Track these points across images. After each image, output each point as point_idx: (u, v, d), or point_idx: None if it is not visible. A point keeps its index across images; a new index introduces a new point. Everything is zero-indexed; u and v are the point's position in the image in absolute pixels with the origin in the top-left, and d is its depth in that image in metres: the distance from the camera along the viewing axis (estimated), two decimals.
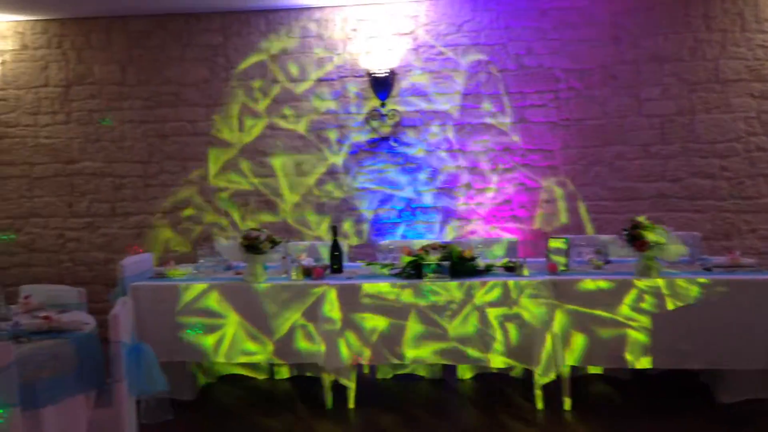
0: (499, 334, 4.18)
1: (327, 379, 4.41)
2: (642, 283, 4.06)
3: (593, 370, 4.77)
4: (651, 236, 4.02)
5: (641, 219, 4.16)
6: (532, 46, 5.76)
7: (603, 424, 4.05)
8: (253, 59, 5.92)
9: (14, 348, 2.64)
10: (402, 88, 5.84)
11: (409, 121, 5.87)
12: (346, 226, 5.92)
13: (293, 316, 4.31)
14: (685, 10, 5.67)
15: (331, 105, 5.90)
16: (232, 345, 4.36)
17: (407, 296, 4.22)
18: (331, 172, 5.94)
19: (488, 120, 5.83)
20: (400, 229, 5.95)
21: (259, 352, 4.35)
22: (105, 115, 6.02)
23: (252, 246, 4.33)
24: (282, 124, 5.95)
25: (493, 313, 4.17)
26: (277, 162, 5.97)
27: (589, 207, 5.81)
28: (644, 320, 4.06)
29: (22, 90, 6.03)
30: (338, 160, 5.93)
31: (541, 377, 4.12)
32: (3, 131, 6.05)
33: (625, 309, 4.09)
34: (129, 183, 6.09)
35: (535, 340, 4.13)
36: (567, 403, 4.23)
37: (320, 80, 5.89)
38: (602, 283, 4.11)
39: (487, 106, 5.82)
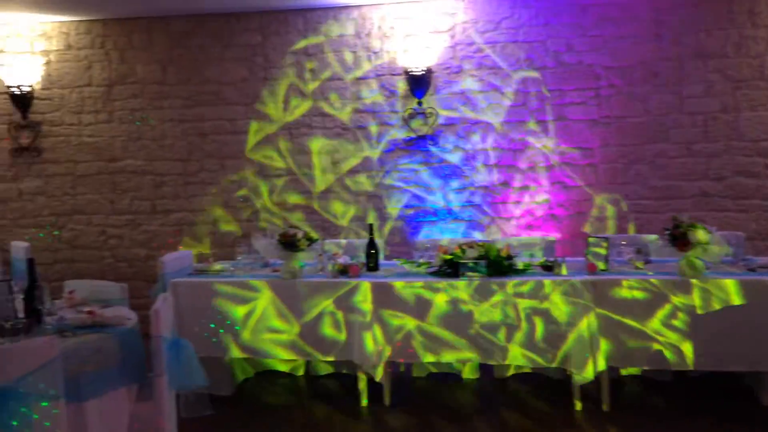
0: (536, 334, 4.14)
1: (363, 376, 4.42)
2: (684, 284, 3.98)
3: (632, 371, 4.70)
4: (694, 236, 3.94)
5: (684, 218, 4.08)
6: (572, 42, 5.69)
7: (642, 426, 3.98)
8: (291, 58, 5.95)
9: (59, 342, 2.70)
10: (439, 86, 5.82)
11: (446, 119, 5.85)
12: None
13: (327, 312, 4.32)
14: (729, 6, 5.54)
15: (368, 103, 5.90)
16: (268, 342, 4.40)
17: (443, 294, 4.21)
18: (366, 168, 5.95)
19: (526, 118, 5.78)
20: (436, 228, 5.93)
21: (293, 351, 4.38)
22: (147, 114, 6.12)
23: (289, 243, 4.37)
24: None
25: (531, 313, 4.13)
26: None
27: (630, 206, 5.72)
28: (686, 321, 3.98)
29: (66, 89, 6.16)
30: (374, 155, 5.93)
31: (579, 378, 4.07)
32: (48, 130, 6.20)
33: (666, 309, 4.01)
34: (169, 181, 6.18)
35: (572, 340, 4.07)
36: (606, 405, 4.17)
37: (358, 78, 5.90)
38: (642, 283, 4.04)
39: (526, 103, 5.77)
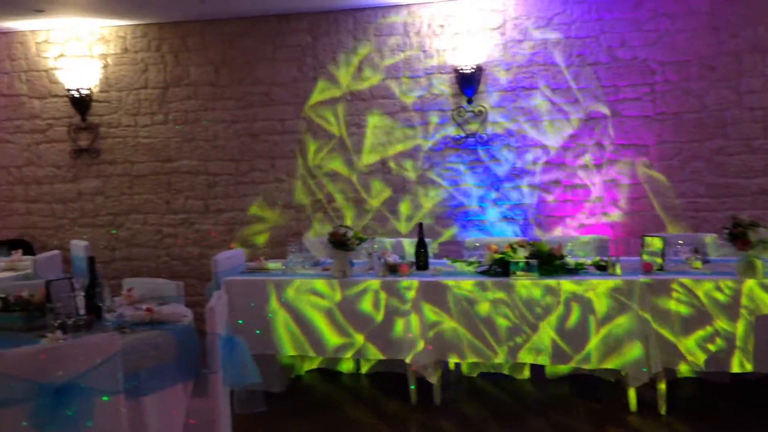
0: (589, 334, 4.07)
1: (412, 376, 4.42)
2: (744, 284, 3.87)
3: (689, 373, 4.57)
4: (755, 235, 3.82)
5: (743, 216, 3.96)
6: (626, 37, 5.58)
7: (700, 430, 3.88)
8: (340, 58, 5.99)
9: (119, 338, 2.77)
10: (489, 84, 5.78)
11: (496, 116, 5.80)
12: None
13: (376, 311, 4.34)
14: None
15: (417, 101, 5.90)
16: (321, 338, 4.44)
17: (494, 294, 4.18)
18: (412, 164, 5.94)
19: (579, 114, 5.69)
20: (484, 226, 5.89)
21: (347, 345, 4.41)
22: (201, 116, 6.24)
23: (339, 242, 4.40)
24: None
25: (583, 313, 4.07)
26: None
27: (686, 204, 5.57)
28: (746, 322, 3.86)
29: (123, 92, 6.33)
30: (420, 153, 5.93)
31: (634, 380, 3.99)
32: (105, 131, 6.38)
33: (725, 310, 3.90)
34: (221, 181, 6.30)
35: (626, 341, 3.99)
36: (662, 408, 4.08)
37: (408, 77, 5.90)
38: (701, 283, 3.93)
39: (578, 100, 5.68)
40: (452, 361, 4.48)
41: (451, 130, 5.87)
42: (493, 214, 5.88)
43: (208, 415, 3.24)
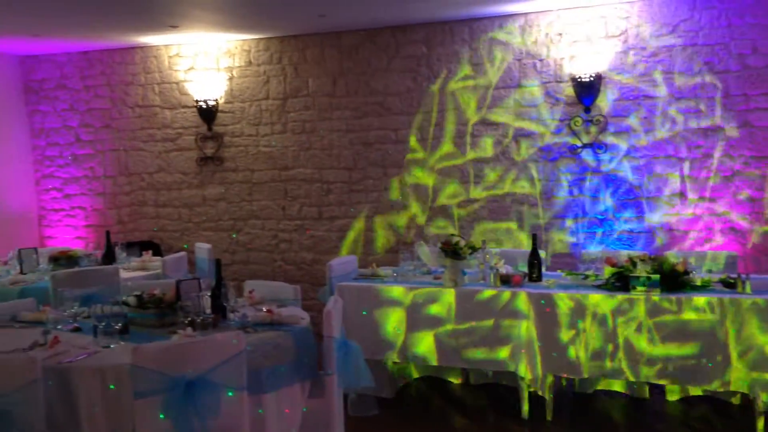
0: (714, 354, 3.86)
1: (524, 389, 4.35)
2: None
3: None
4: None
5: None
6: (759, 44, 5.26)
7: None
8: (455, 68, 6.01)
9: (244, 337, 2.90)
10: (609, 93, 5.61)
11: (616, 126, 5.63)
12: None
13: (488, 321, 4.31)
14: None
15: (533, 111, 5.82)
16: (430, 346, 4.45)
17: (612, 309, 4.05)
18: (527, 175, 5.86)
19: (705, 124, 5.42)
20: (601, 239, 5.71)
21: (457, 355, 4.40)
22: (316, 126, 6.43)
23: (452, 251, 4.40)
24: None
25: (710, 332, 3.86)
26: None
27: None
28: None
29: (246, 103, 6.63)
30: (536, 162, 5.83)
31: (764, 404, 3.74)
32: (229, 140, 6.70)
33: None
34: (335, 188, 6.45)
35: (757, 361, 3.76)
36: None
37: (523, 86, 5.83)
38: None
39: (704, 109, 5.41)
40: (566, 376, 4.38)
41: (568, 140, 5.74)
42: (611, 226, 5.69)
43: (324, 415, 3.33)
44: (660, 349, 3.97)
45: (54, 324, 3.34)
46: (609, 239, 5.69)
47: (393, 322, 4.52)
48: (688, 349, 3.91)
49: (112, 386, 2.71)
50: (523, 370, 4.21)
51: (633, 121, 5.58)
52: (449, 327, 4.40)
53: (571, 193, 5.77)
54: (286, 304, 3.78)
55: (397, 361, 4.61)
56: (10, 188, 6.89)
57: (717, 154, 5.41)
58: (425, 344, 4.47)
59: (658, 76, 5.50)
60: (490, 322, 4.31)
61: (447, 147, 6.08)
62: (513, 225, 5.94)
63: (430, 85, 6.08)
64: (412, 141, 6.18)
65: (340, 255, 6.24)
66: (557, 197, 5.80)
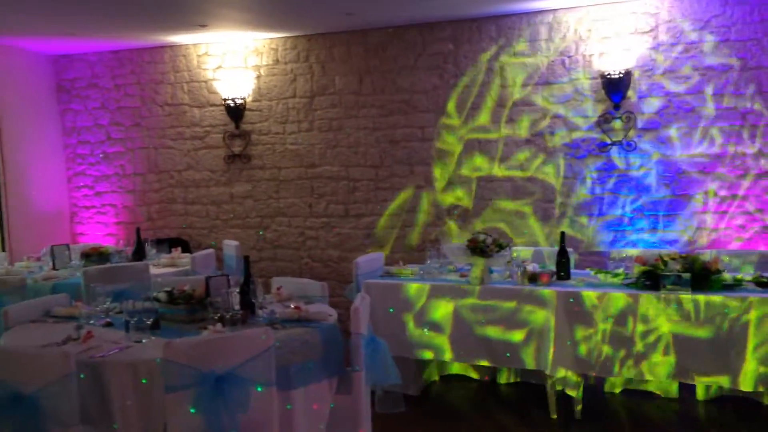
0: (747, 354, 3.80)
1: (552, 388, 4.33)
2: None
3: None
4: None
5: None
6: None
7: None
8: (482, 65, 5.98)
9: (273, 333, 2.92)
10: (638, 90, 5.55)
11: (645, 123, 5.56)
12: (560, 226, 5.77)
13: (516, 319, 4.29)
14: None
15: (560, 108, 5.77)
16: (457, 344, 4.45)
17: (642, 308, 4.00)
18: (555, 172, 5.82)
19: (738, 121, 5.33)
20: (630, 237, 5.66)
21: (483, 353, 4.39)
22: (342, 124, 6.45)
23: (478, 249, 4.39)
24: (506, 131, 5.94)
25: (742, 333, 3.80)
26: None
27: None
28: None
29: (273, 101, 6.67)
30: (564, 163, 5.79)
31: None
32: (256, 138, 6.75)
33: None
34: (361, 186, 6.47)
35: None
36: None
37: (551, 83, 5.79)
38: None
39: (736, 107, 5.33)
40: (595, 375, 4.35)
41: (597, 137, 5.69)
42: (640, 224, 5.63)
43: (351, 411, 3.35)
44: (691, 348, 3.91)
45: (86, 319, 3.40)
46: (639, 237, 5.63)
47: (418, 319, 4.52)
48: (719, 348, 3.86)
49: (144, 380, 2.75)
50: (550, 368, 4.18)
51: (663, 117, 5.51)
52: (475, 325, 4.39)
53: (599, 190, 5.72)
54: (313, 301, 3.80)
55: (422, 358, 4.61)
56: (43, 186, 7.02)
57: (749, 151, 5.32)
58: (451, 341, 4.46)
59: (689, 72, 5.42)
60: (516, 321, 4.29)
61: (474, 145, 6.06)
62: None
63: (457, 83, 6.06)
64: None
65: (367, 253, 6.25)
66: (585, 195, 5.75)
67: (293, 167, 6.67)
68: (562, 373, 4.18)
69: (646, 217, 5.61)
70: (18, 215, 6.62)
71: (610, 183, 5.69)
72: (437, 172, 6.19)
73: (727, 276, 4.04)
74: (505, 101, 5.94)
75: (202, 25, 5.98)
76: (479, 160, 6.06)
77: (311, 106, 6.56)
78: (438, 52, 6.13)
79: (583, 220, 5.78)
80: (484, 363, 4.49)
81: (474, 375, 5.13)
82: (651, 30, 5.50)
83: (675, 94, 5.47)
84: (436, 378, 5.15)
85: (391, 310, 4.57)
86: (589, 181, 5.74)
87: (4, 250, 6.36)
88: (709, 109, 5.40)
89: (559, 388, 4.31)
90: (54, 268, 5.23)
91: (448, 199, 6.17)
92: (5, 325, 3.43)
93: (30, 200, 6.83)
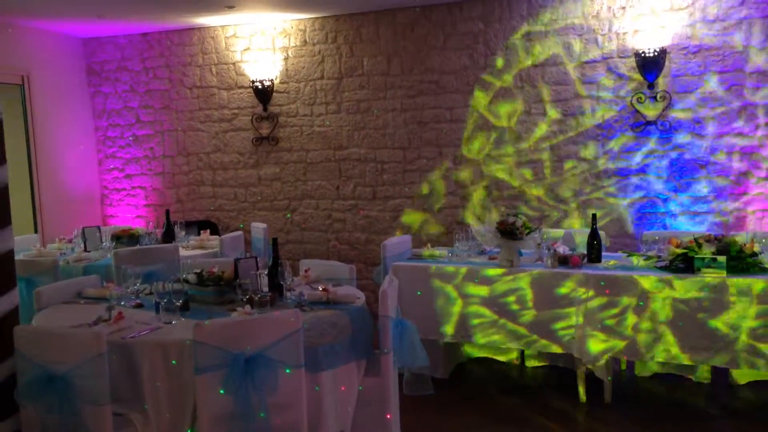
0: None
1: (581, 371, 4.28)
2: None
3: None
4: None
5: None
6: None
7: None
8: (513, 44, 5.88)
9: (301, 315, 2.92)
10: (674, 68, 5.41)
11: (681, 102, 5.43)
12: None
13: (545, 302, 4.24)
14: None
15: (593, 87, 5.66)
16: (486, 327, 4.42)
17: (676, 292, 3.92)
18: (587, 153, 5.72)
19: None
20: (664, 219, 5.55)
21: (513, 335, 4.35)
22: (370, 105, 6.40)
23: (508, 231, 4.34)
24: (536, 111, 5.85)
25: None
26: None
27: None
28: None
29: (301, 82, 6.64)
30: (597, 143, 5.68)
31: None
32: (284, 120, 6.73)
33: None
34: (389, 168, 6.43)
35: None
36: None
37: (584, 62, 5.67)
38: None
39: None
40: (626, 358, 4.29)
41: (631, 118, 5.57)
42: (674, 206, 5.51)
43: (379, 393, 3.34)
44: (725, 332, 3.83)
45: (117, 300, 3.43)
46: (673, 220, 5.52)
47: (447, 301, 4.50)
48: (753, 333, 3.77)
49: (174, 361, 2.77)
50: (580, 352, 4.13)
51: (699, 97, 5.37)
52: (505, 307, 4.35)
53: (632, 172, 5.61)
54: (341, 284, 3.79)
55: (451, 340, 4.58)
56: (75, 169, 7.10)
57: None
58: (480, 324, 4.43)
59: (726, 50, 5.27)
60: (546, 303, 4.24)
61: (504, 126, 5.97)
62: (570, 204, 5.81)
63: (487, 63, 5.97)
64: (469, 120, 6.07)
65: (395, 235, 6.22)
66: (618, 177, 5.65)
67: (321, 149, 6.65)
68: (591, 356, 4.12)
69: (680, 199, 5.49)
70: (49, 197, 6.71)
71: (643, 164, 5.57)
72: (467, 155, 6.12)
73: (764, 258, 3.94)
74: (535, 81, 5.84)
75: (230, 7, 5.95)
76: (510, 143, 5.97)
77: (339, 87, 6.52)
78: (468, 31, 6.03)
79: (616, 201, 5.68)
80: (513, 346, 4.45)
81: (502, 358, 5.09)
82: (687, 6, 5.34)
83: (711, 72, 5.32)
84: (464, 361, 5.12)
85: (419, 293, 4.55)
86: (622, 162, 5.63)
87: (36, 232, 6.46)
88: (747, 87, 5.25)
89: (588, 371, 4.25)
90: (85, 250, 5.29)
91: (482, 183, 6.11)
92: (38, 306, 3.48)
93: (61, 183, 6.91)
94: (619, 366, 4.69)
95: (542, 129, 5.86)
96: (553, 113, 5.81)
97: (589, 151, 5.73)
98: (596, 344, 4.11)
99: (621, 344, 4.08)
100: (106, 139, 7.35)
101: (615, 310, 4.08)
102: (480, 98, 6.03)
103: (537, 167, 5.91)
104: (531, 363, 5.00)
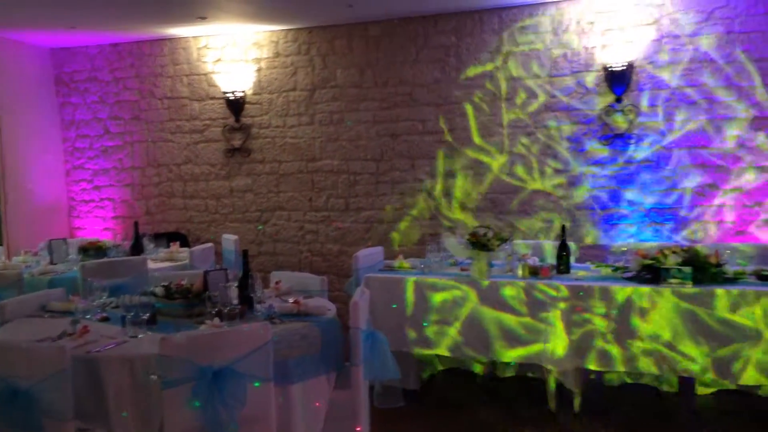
0: (748, 349, 3.77)
1: (551, 382, 4.30)
2: None
3: None
4: None
5: None
6: None
7: None
8: (484, 58, 5.93)
9: (270, 328, 2.90)
10: (641, 82, 5.51)
11: (647, 115, 5.52)
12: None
13: (515, 313, 4.26)
14: None
15: (563, 100, 5.73)
16: (457, 338, 4.42)
17: (643, 302, 3.97)
18: (557, 166, 5.78)
19: (741, 115, 5.29)
20: (631, 231, 5.62)
21: (483, 347, 4.36)
22: (343, 117, 6.41)
23: (480, 243, 4.36)
24: (508, 125, 5.90)
25: (742, 326, 3.77)
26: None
27: None
28: None
29: (273, 94, 6.63)
30: (566, 156, 5.75)
31: None
32: (257, 132, 6.71)
33: None
34: (362, 180, 6.43)
35: None
36: None
37: (552, 76, 5.75)
38: None
39: (739, 99, 5.28)
40: (594, 368, 4.32)
41: (599, 130, 5.65)
42: (640, 218, 5.60)
43: (349, 406, 3.32)
44: (691, 343, 3.88)
45: (83, 313, 3.38)
46: (639, 231, 5.59)
47: (418, 313, 4.49)
48: (719, 342, 3.83)
49: (142, 375, 2.72)
50: (550, 362, 4.15)
51: (666, 110, 5.47)
52: (476, 318, 4.35)
53: (600, 184, 5.68)
54: (312, 295, 3.77)
55: (422, 352, 4.57)
56: (42, 180, 6.99)
57: (751, 144, 5.28)
58: (451, 336, 4.43)
59: (693, 65, 5.38)
60: (516, 314, 4.26)
61: (474, 138, 6.02)
62: (540, 215, 5.86)
63: (458, 77, 6.02)
64: (441, 132, 6.11)
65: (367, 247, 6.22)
66: (586, 188, 5.72)
67: (293, 161, 6.63)
68: (561, 366, 4.14)
69: (647, 211, 5.58)
70: (16, 209, 6.60)
71: (612, 176, 5.65)
72: (439, 167, 6.15)
73: (728, 269, 4.01)
74: (507, 94, 5.90)
75: (202, 18, 5.93)
76: (482, 154, 6.01)
77: (312, 99, 6.52)
78: (440, 44, 6.08)
79: (584, 213, 5.75)
80: (484, 358, 4.46)
81: (473, 369, 5.09)
82: (654, 22, 5.45)
83: (677, 86, 5.43)
84: (435, 372, 5.12)
85: (394, 306, 4.54)
86: (590, 174, 5.71)
87: (1, 244, 6.34)
88: (713, 101, 5.35)
89: (558, 381, 4.28)
90: (51, 263, 5.20)
91: (454, 194, 6.13)
92: (1, 320, 3.41)
93: (28, 194, 6.80)
94: (588, 376, 4.72)
95: (509, 141, 5.91)
96: (524, 127, 5.86)
97: (558, 162, 5.79)
98: (565, 354, 4.13)
99: (590, 354, 4.11)
100: (74, 150, 7.25)
101: (583, 320, 4.11)
102: (452, 111, 6.07)
103: (508, 179, 5.95)
104: (502, 373, 5.01)
